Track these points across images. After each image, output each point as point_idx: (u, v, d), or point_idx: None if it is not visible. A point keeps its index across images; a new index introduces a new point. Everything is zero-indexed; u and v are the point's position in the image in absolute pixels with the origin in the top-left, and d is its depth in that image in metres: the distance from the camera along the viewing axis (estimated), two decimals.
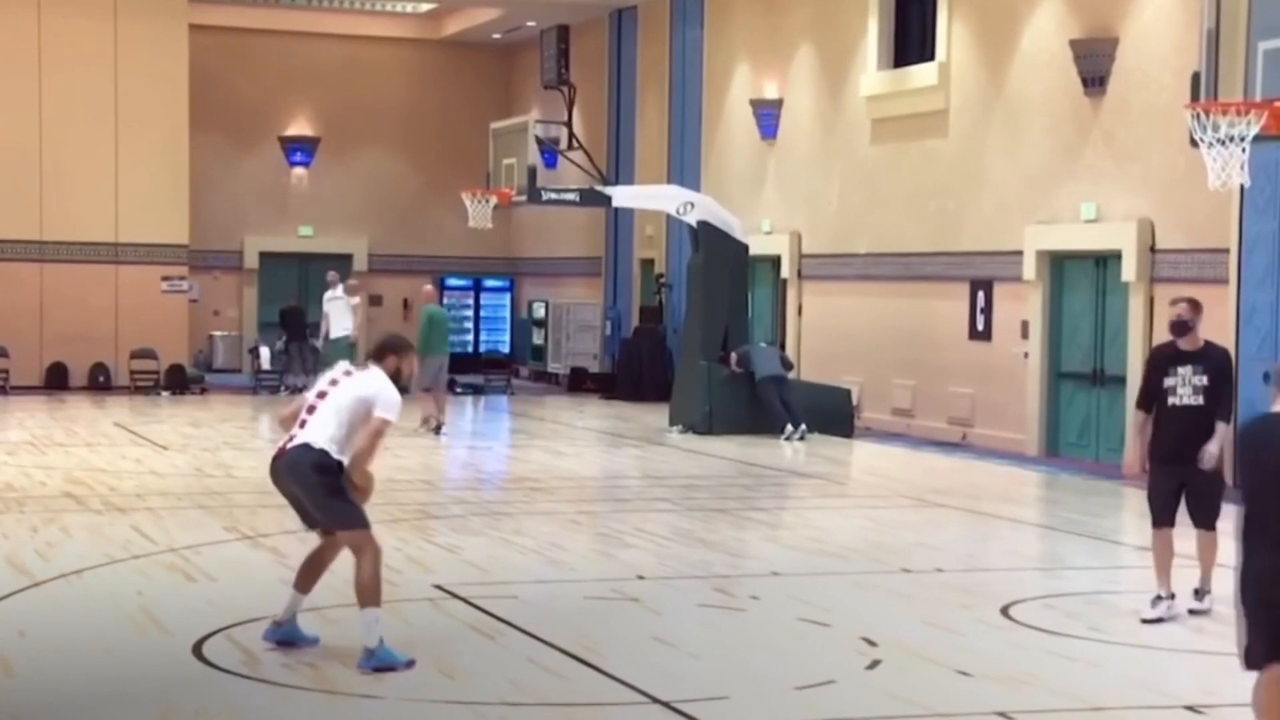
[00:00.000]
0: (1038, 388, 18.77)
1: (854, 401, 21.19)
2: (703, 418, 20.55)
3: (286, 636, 8.41)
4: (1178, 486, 9.67)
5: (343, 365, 8.61)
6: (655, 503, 15.02)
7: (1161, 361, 9.78)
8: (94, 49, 26.58)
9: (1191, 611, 9.70)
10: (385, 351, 8.52)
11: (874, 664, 8.37)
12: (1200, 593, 9.79)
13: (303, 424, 8.30)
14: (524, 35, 29.89)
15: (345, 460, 8.21)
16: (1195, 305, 9.81)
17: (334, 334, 23.37)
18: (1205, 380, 9.57)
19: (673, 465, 17.74)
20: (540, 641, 8.70)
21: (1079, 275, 18.51)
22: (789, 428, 19.92)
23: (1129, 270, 17.28)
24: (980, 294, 19.75)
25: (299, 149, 31.05)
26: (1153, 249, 17.14)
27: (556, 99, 27.34)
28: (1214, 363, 9.66)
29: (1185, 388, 9.58)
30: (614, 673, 8.05)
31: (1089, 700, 7.75)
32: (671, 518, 13.73)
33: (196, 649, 8.38)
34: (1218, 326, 16.11)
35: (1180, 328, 9.71)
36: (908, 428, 20.91)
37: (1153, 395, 9.76)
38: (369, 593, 8.18)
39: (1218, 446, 9.58)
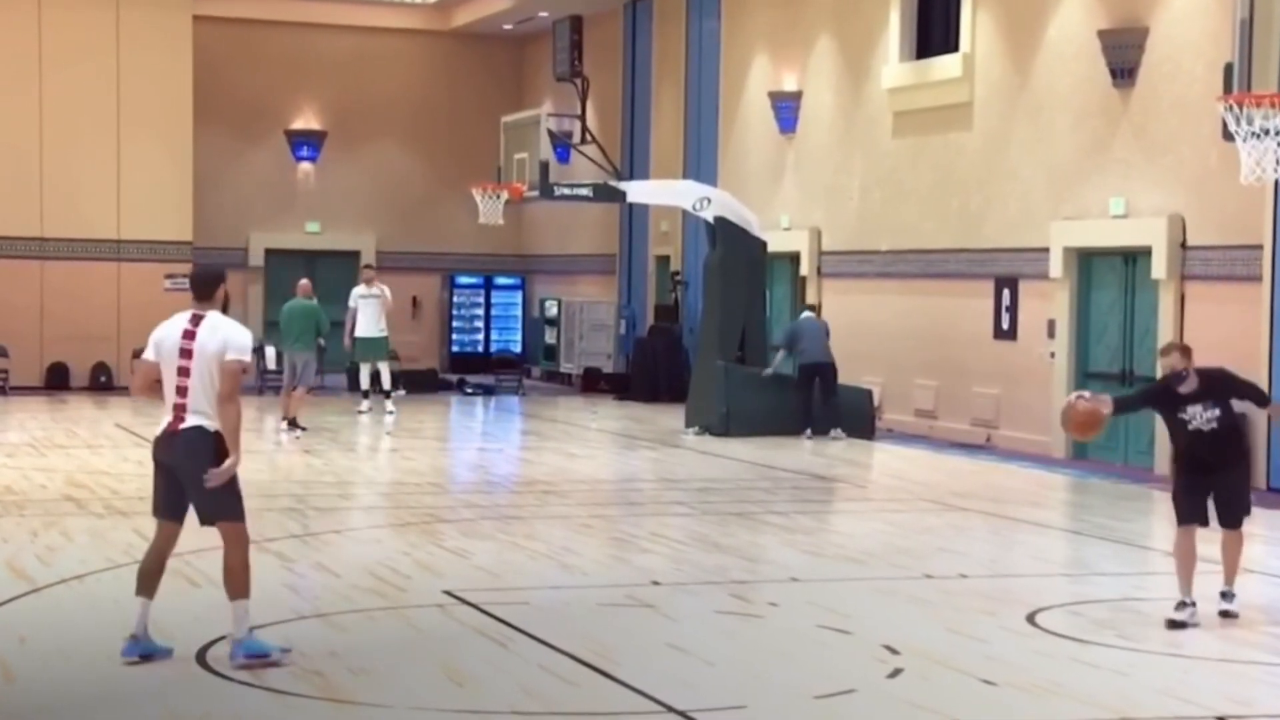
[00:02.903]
0: (1064, 388, 18.72)
1: (875, 402, 21.18)
2: (719, 419, 20.55)
3: (146, 651, 8.31)
4: (1205, 490, 9.87)
5: (181, 321, 8.49)
6: (671, 506, 15.02)
7: (1169, 401, 9.93)
8: (95, 41, 26.66)
9: (1222, 614, 9.69)
10: (214, 285, 8.58)
11: (895, 672, 8.36)
12: (1227, 595, 9.82)
13: (182, 391, 8.32)
14: (536, 26, 29.90)
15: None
16: (1186, 351, 9.98)
17: (368, 333, 22.86)
18: (1218, 410, 9.79)
19: (689, 468, 17.74)
20: (552, 648, 8.71)
21: (1107, 272, 18.48)
22: (816, 428, 19.99)
23: (1159, 267, 17.25)
24: (1005, 292, 19.72)
25: (305, 143, 31.09)
26: (1184, 245, 17.10)
27: (569, 92, 27.37)
28: (1216, 389, 9.85)
29: (1200, 419, 9.79)
30: (628, 681, 8.06)
31: (1117, 710, 7.74)
32: (687, 522, 13.73)
33: (200, 656, 8.40)
34: (1249, 325, 16.11)
35: (1178, 379, 9.85)
36: (930, 429, 20.89)
37: (1136, 408, 10.23)
38: (244, 584, 8.32)
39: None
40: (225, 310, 8.58)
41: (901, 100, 21.59)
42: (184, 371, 8.34)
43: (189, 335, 8.40)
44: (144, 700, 7.76)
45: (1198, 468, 9.84)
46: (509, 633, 9.12)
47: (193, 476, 8.30)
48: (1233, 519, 9.89)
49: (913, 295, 21.36)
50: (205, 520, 8.42)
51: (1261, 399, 10.32)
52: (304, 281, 21.65)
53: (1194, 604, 9.66)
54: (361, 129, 31.25)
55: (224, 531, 8.37)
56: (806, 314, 21.16)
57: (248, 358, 8.46)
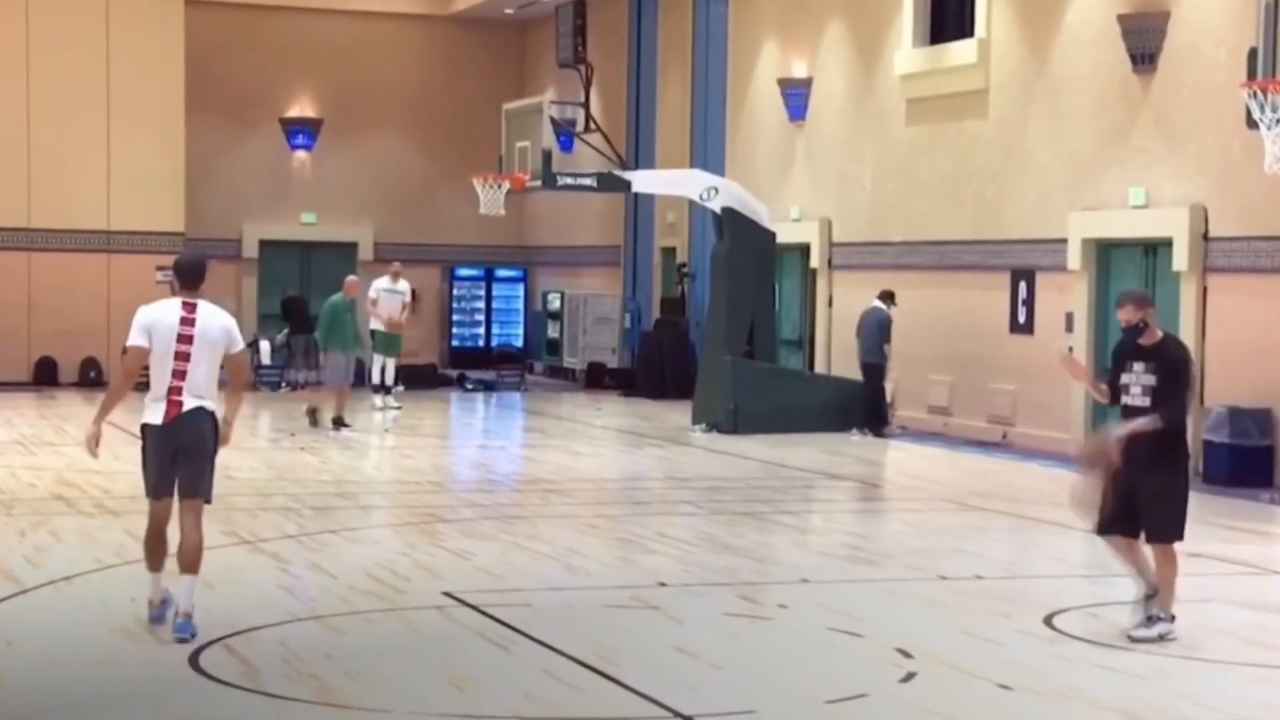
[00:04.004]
0: (1083, 384, 18.71)
1: (888, 399, 21.18)
2: (727, 416, 20.56)
3: (159, 616, 8.96)
4: (1130, 493, 9.21)
5: (175, 307, 8.84)
6: (678, 506, 15.04)
7: (1121, 354, 9.54)
8: (85, 26, 26.68)
9: (1133, 639, 9.11)
10: (204, 275, 9.01)
11: (909, 676, 8.38)
12: (1153, 619, 9.16)
13: (179, 375, 8.73)
14: (539, 10, 29.91)
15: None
16: (1139, 301, 9.48)
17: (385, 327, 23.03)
18: (1154, 380, 9.28)
19: (696, 466, 17.76)
20: (555, 652, 8.73)
21: (1127, 264, 18.48)
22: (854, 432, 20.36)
23: (1180, 259, 17.24)
24: (1022, 284, 19.72)
25: (301, 131, 31.10)
26: (1206, 236, 17.09)
27: (573, 78, 27.34)
28: (1165, 363, 9.31)
29: (1136, 387, 9.33)
30: (633, 685, 8.07)
31: (1136, 715, 7.75)
32: (695, 521, 13.75)
33: (193, 659, 8.42)
34: (1273, 318, 16.12)
35: (1133, 332, 9.41)
36: (945, 426, 20.89)
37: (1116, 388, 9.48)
38: (199, 561, 8.85)
39: (1139, 425, 9.09)
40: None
41: (915, 87, 21.58)
42: (182, 356, 8.75)
43: (187, 322, 8.77)
44: (137, 704, 7.78)
45: (1123, 459, 9.16)
46: (511, 635, 9.14)
47: (196, 454, 8.81)
48: (1160, 531, 9.22)
49: (926, 288, 21.36)
50: (187, 495, 8.86)
51: (1171, 413, 9.19)
52: (348, 279, 21.44)
53: (1152, 595, 9.19)
54: (359, 117, 31.25)
55: (196, 508, 8.88)
56: (873, 304, 20.70)
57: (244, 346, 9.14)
